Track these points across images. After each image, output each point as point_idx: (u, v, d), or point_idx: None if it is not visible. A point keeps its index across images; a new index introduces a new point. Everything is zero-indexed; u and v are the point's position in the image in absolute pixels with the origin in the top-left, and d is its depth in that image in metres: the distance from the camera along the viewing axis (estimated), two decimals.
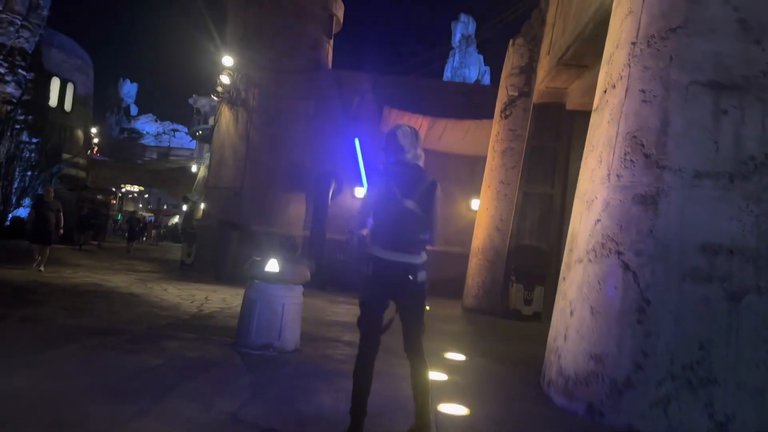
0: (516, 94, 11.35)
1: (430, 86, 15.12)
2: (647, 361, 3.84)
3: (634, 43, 4.30)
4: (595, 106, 4.88)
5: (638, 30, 4.29)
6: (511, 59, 11.57)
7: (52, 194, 11.76)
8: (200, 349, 5.10)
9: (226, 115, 14.61)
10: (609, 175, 4.25)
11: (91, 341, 5.09)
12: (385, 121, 13.31)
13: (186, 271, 14.53)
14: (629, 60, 4.30)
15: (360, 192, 14.39)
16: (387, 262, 3.08)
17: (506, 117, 11.49)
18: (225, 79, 13.87)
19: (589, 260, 4.27)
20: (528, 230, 10.92)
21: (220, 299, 9.17)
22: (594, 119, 4.80)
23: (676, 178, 3.97)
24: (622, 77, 4.34)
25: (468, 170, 14.25)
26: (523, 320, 10.19)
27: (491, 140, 11.91)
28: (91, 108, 31.63)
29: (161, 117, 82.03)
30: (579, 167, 11.12)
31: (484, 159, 12.38)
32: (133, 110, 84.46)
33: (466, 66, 70.02)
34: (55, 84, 27.49)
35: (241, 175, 14.09)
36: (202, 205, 20.35)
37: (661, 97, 4.09)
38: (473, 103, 13.92)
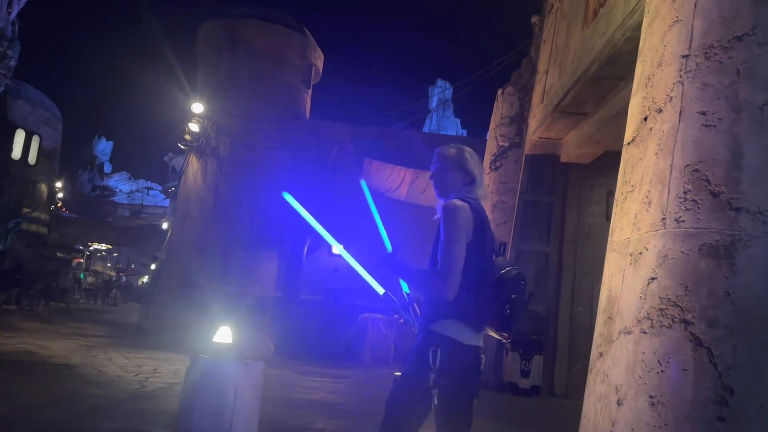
0: (506, 144, 10.61)
1: (412, 138, 14.38)
2: None
3: (686, 57, 3.44)
4: (629, 137, 3.98)
5: (691, 40, 3.44)
6: (501, 108, 10.90)
7: None
8: None
9: (194, 165, 13.58)
10: (664, 219, 3.29)
11: None
12: (366, 173, 12.43)
13: (141, 336, 13.08)
14: (681, 77, 3.43)
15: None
16: (470, 350, 2.11)
17: (496, 169, 10.70)
18: (194, 126, 12.93)
19: (643, 332, 3.23)
20: None
21: (172, 371, 7.84)
22: (630, 153, 3.88)
23: (756, 222, 3.02)
24: (672, 98, 3.46)
25: None
26: (520, 394, 9.00)
27: None
28: (58, 162, 30.51)
29: (136, 175, 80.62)
30: (576, 223, 10.37)
31: None
32: (107, 168, 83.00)
33: (443, 129, 70.82)
34: (19, 136, 26.47)
35: (207, 230, 12.91)
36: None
37: (729, 121, 3.19)
38: None
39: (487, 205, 2.46)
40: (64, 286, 21.67)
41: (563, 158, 10.02)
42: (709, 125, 3.25)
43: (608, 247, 4.00)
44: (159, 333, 12.72)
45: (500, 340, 2.19)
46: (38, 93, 27.77)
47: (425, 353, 2.04)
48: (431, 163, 2.44)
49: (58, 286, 19.86)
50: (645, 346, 3.21)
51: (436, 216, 2.56)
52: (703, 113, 3.29)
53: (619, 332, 3.48)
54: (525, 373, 9.15)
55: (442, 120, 70.18)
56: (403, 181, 12.29)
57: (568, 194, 10.21)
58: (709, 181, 3.17)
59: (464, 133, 70.88)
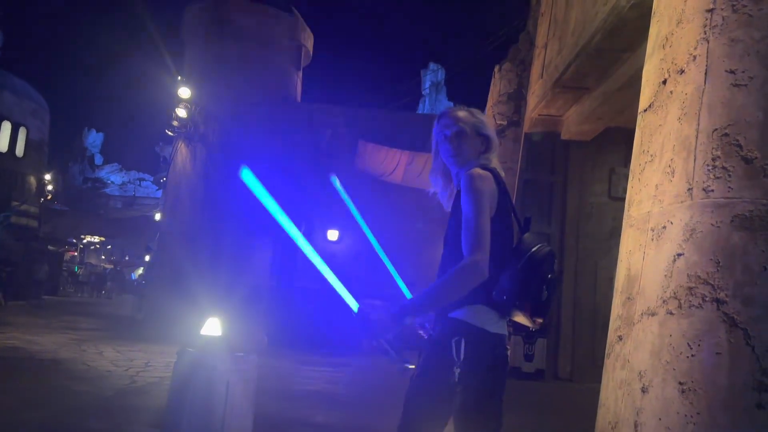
0: (504, 123, 10.30)
1: (407, 119, 14.07)
2: None
3: (711, 11, 3.14)
4: (646, 104, 3.69)
5: None
6: (498, 86, 10.58)
7: None
8: None
9: (182, 152, 13.21)
10: (690, 189, 3.01)
11: None
12: (360, 157, 12.11)
13: (134, 328, 12.79)
14: (705, 33, 3.13)
15: (334, 235, 13.01)
16: (497, 339, 1.82)
17: None
18: (181, 112, 12.54)
19: (669, 312, 2.96)
20: None
21: (164, 365, 7.56)
22: (648, 120, 3.59)
23: None
24: (696, 57, 3.16)
25: None
26: (524, 379, 8.79)
27: None
28: (46, 154, 29.96)
29: (127, 167, 79.82)
30: (578, 202, 10.09)
31: None
32: (98, 160, 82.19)
33: (436, 113, 70.38)
34: (5, 128, 25.90)
35: (198, 218, 12.56)
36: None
37: (762, 79, 2.91)
38: None
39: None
40: (39, 278, 21.24)
41: (564, 135, 9.72)
42: (739, 84, 2.96)
43: (625, 223, 3.72)
44: (152, 325, 12.43)
45: (526, 327, 1.90)
46: (23, 84, 27.19)
47: (446, 345, 1.74)
48: (439, 127, 2.13)
49: (23, 280, 19.30)
50: (672, 329, 2.94)
51: (433, 190, 2.25)
52: (732, 72, 3.00)
53: (642, 314, 3.21)
54: (528, 357, 8.95)
55: (435, 104, 69.58)
56: (398, 164, 11.98)
57: (569, 173, 9.93)
58: (740, 146, 2.89)
59: None
